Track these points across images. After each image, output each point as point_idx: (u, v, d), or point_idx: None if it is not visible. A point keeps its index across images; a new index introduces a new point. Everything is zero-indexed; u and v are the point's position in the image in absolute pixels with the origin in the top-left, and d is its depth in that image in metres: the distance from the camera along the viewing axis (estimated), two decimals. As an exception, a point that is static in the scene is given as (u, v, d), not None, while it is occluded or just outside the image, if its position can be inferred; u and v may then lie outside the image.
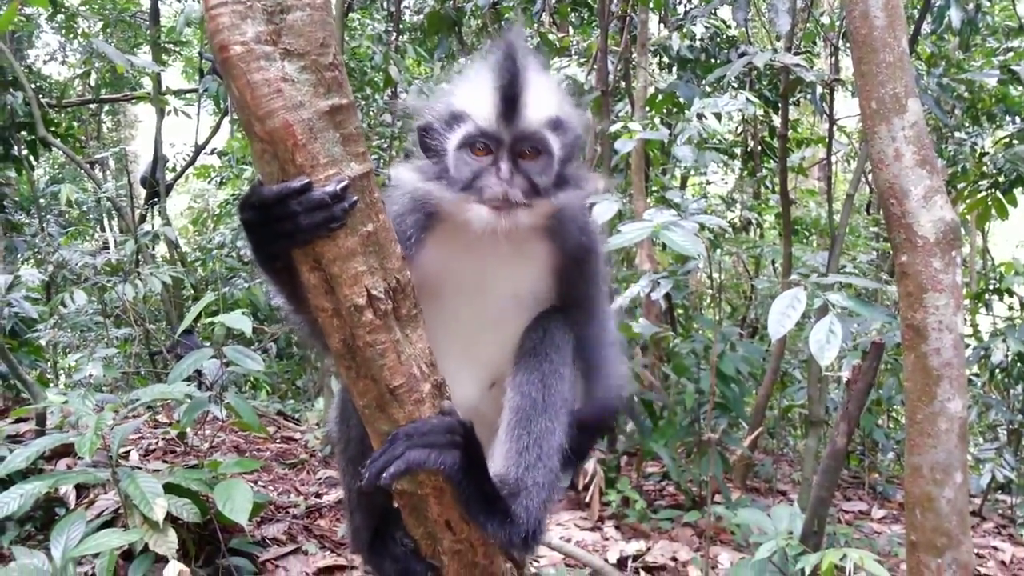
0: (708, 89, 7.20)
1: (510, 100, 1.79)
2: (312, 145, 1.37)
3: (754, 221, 9.18)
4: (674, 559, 5.17)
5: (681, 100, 6.30)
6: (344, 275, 1.45)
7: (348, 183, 1.41)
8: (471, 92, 1.86)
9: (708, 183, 9.88)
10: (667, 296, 6.61)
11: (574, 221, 1.99)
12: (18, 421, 5.09)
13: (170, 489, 3.76)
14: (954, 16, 5.15)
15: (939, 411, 2.72)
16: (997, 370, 7.39)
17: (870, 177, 9.39)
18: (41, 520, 4.35)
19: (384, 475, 1.60)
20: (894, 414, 8.83)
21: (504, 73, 1.78)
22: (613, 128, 4.51)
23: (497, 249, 1.87)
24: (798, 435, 9.59)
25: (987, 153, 7.96)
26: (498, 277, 1.96)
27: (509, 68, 1.78)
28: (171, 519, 3.65)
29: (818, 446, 5.83)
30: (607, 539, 5.33)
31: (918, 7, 5.38)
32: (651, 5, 6.81)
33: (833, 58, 6.19)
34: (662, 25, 8.98)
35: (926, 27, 6.63)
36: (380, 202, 1.48)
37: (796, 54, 5.73)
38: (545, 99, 1.85)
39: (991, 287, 8.24)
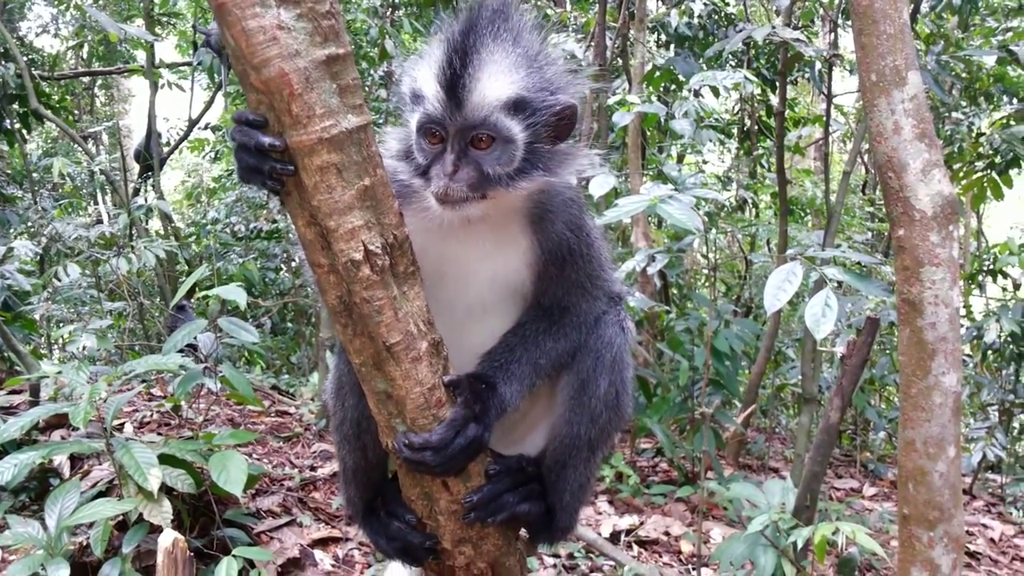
0: (705, 66, 7.17)
1: (453, 86, 1.65)
2: (308, 95, 1.35)
3: (749, 200, 9.17)
4: (667, 534, 5.21)
5: (679, 76, 6.26)
6: (340, 230, 1.43)
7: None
8: (425, 72, 1.72)
9: (704, 162, 9.85)
10: (662, 274, 6.63)
11: (560, 214, 1.86)
12: (12, 393, 5.08)
13: (165, 460, 3.76)
14: (954, -8, 5.12)
15: (933, 385, 2.71)
16: (990, 351, 7.43)
17: (866, 157, 9.40)
18: (35, 491, 4.35)
19: (490, 519, 1.82)
20: (886, 393, 8.87)
21: (450, 54, 1.65)
22: (611, 101, 4.48)
23: (477, 233, 1.81)
24: (791, 414, 9.64)
25: (984, 133, 7.95)
26: (480, 262, 1.86)
27: (457, 47, 1.65)
28: (166, 490, 3.65)
29: (811, 423, 5.85)
30: (600, 513, 5.36)
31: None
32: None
33: (832, 35, 6.16)
34: (660, 1, 8.92)
35: (925, 6, 6.60)
36: (377, 156, 1.47)
37: (794, 30, 5.68)
38: (501, 79, 1.67)
39: (985, 268, 8.27)
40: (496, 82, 1.67)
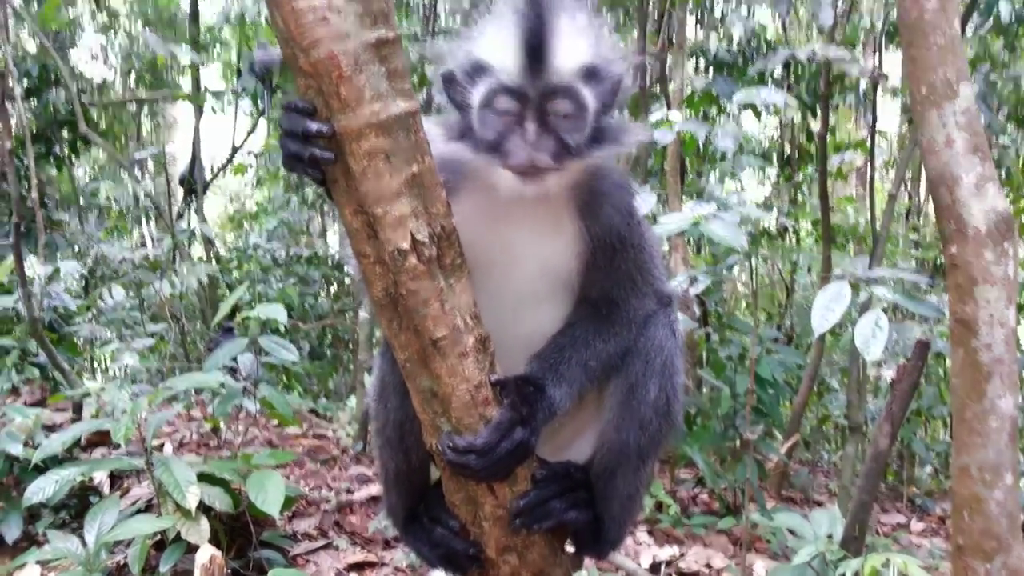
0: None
1: (536, 50, 1.58)
2: (358, 78, 1.33)
3: (790, 227, 9.06)
4: (708, 566, 5.07)
5: (719, 97, 6.22)
6: (388, 217, 1.41)
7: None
8: (493, 41, 1.65)
9: (743, 189, 9.77)
10: (701, 301, 6.54)
11: (610, 197, 1.80)
12: (56, 411, 5.14)
13: (203, 479, 3.76)
14: (1003, 9, 5.02)
15: (989, 409, 2.59)
16: (1040, 377, 7.20)
17: (910, 184, 9.25)
18: (76, 508, 4.37)
19: (536, 526, 1.75)
20: (933, 426, 8.64)
21: (529, 18, 1.58)
22: (652, 118, 4.47)
23: (525, 219, 1.77)
24: (834, 447, 9.42)
25: (1032, 158, 7.80)
26: (527, 250, 1.80)
27: (535, 11, 1.58)
28: (204, 509, 3.64)
29: (857, 453, 5.69)
30: (640, 544, 5.24)
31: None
32: (689, 5, 6.76)
33: (876, 54, 6.09)
34: (699, 26, 8.92)
35: (970, 28, 6.51)
36: (425, 143, 1.44)
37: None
38: (578, 44, 1.63)
39: (1034, 296, 8.04)
40: (575, 47, 1.63)
